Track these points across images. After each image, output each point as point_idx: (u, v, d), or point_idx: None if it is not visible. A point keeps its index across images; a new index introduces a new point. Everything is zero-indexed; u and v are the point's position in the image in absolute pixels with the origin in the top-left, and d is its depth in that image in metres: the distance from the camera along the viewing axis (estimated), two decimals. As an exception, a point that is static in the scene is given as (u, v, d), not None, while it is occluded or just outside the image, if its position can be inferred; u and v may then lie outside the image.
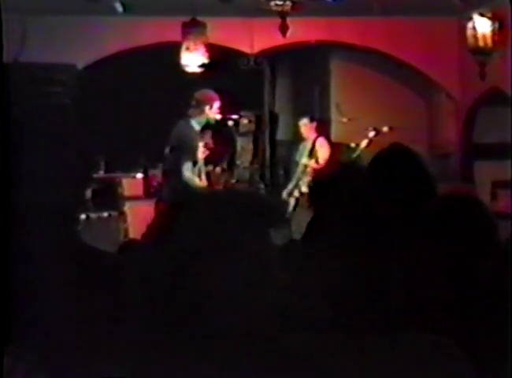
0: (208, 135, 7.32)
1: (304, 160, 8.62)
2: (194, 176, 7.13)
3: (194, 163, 7.14)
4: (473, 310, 2.25)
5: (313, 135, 8.80)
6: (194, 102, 7.31)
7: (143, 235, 1.90)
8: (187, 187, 7.05)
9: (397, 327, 1.92)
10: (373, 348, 1.54)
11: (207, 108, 7.28)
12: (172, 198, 6.91)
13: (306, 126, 8.86)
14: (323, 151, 8.68)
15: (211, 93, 7.38)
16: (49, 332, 2.00)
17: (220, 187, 7.16)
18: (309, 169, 8.53)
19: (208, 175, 7.22)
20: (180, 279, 1.55)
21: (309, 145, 8.76)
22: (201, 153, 7.15)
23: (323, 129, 9.08)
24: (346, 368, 1.51)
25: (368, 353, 1.53)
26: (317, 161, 8.58)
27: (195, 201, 1.68)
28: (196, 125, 7.32)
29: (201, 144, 7.16)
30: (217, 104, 7.31)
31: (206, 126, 7.36)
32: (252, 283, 1.55)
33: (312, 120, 8.92)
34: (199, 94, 7.35)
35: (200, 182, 7.11)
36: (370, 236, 2.45)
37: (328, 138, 9.01)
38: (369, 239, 2.43)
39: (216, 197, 1.73)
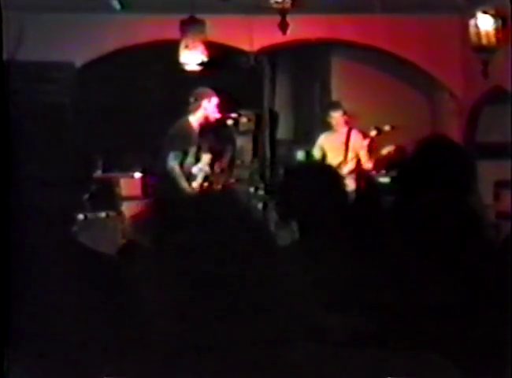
0: (209, 137, 7.48)
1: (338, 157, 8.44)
2: (179, 170, 7.20)
3: (185, 153, 7.24)
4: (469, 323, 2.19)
5: (344, 128, 8.59)
6: (192, 98, 7.41)
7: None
8: (168, 178, 7.15)
9: (392, 343, 1.85)
10: (364, 365, 1.48)
11: (205, 102, 7.38)
12: (168, 196, 6.94)
13: (338, 118, 8.60)
14: (360, 142, 8.49)
15: (210, 91, 7.51)
16: (48, 334, 1.96)
17: (219, 186, 7.27)
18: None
19: (206, 178, 7.32)
20: (181, 281, 1.50)
21: (342, 138, 8.55)
22: (207, 158, 7.32)
23: (353, 122, 8.83)
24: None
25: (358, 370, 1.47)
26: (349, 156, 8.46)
27: (191, 201, 1.64)
28: (195, 122, 7.39)
29: (206, 149, 7.33)
30: (214, 100, 7.42)
31: (206, 126, 7.42)
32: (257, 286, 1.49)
33: (345, 113, 8.68)
34: (198, 90, 7.48)
35: (185, 182, 7.19)
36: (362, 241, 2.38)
37: (359, 131, 8.78)
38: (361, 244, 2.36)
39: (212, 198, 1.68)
